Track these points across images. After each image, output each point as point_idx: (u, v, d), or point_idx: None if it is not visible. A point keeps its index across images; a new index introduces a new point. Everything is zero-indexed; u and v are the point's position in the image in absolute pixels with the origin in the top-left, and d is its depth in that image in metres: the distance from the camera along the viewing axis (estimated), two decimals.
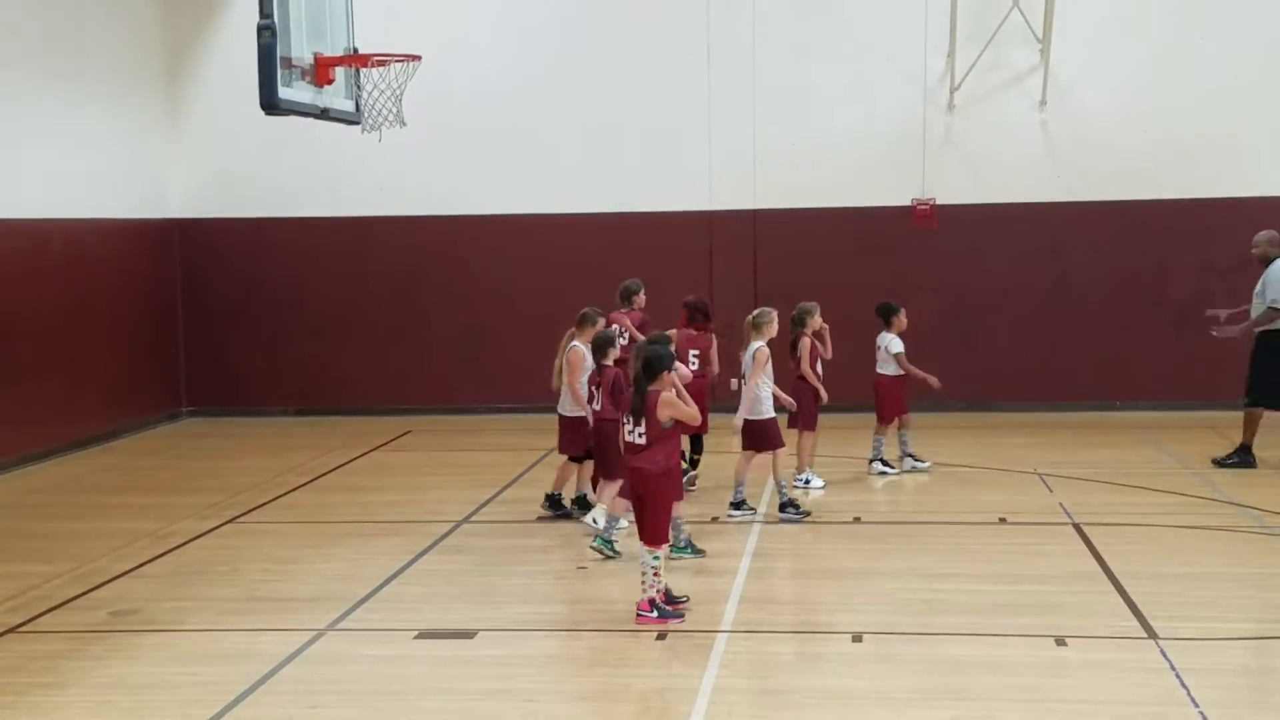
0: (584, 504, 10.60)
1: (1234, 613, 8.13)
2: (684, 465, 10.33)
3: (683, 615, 8.02)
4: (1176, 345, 15.35)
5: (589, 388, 10.14)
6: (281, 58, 9.84)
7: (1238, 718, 6.46)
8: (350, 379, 16.73)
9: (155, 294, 16.41)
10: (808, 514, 10.59)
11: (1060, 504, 10.93)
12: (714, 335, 11.63)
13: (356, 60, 10.94)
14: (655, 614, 7.94)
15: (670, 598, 8.15)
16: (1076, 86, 15.58)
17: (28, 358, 13.77)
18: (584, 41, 16.17)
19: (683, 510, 9.33)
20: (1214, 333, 12.74)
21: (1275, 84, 15.33)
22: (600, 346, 9.99)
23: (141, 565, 9.63)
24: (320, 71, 10.48)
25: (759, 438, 10.53)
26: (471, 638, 7.82)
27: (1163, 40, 15.48)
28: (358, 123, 11.25)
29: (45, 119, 14.11)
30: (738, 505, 10.68)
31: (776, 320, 10.70)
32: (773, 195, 15.95)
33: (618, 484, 9.56)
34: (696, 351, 11.36)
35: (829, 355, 11.61)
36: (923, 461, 12.31)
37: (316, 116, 10.72)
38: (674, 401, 8.14)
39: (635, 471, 8.15)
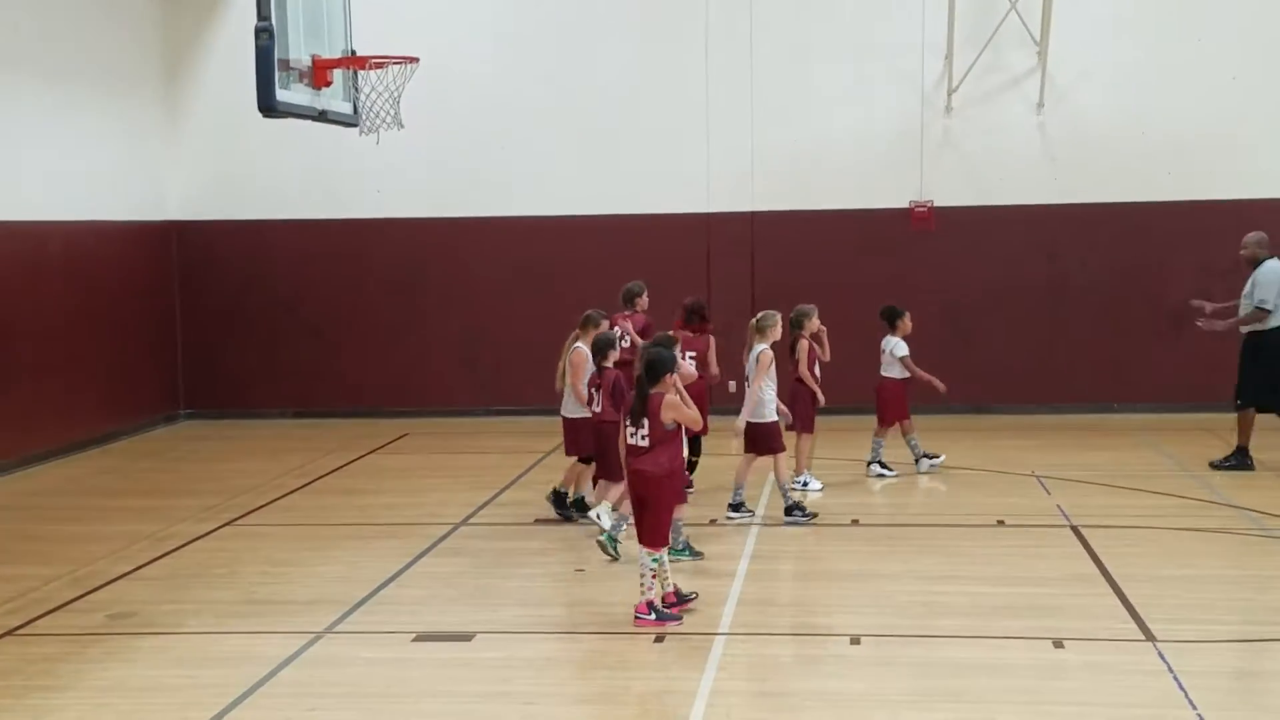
0: (582, 506, 10.60)
1: (1232, 615, 8.14)
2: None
3: (681, 618, 8.02)
4: (1175, 347, 15.35)
5: (589, 390, 10.14)
6: (279, 60, 9.84)
7: None
8: (348, 381, 16.72)
9: (153, 296, 16.40)
10: (814, 516, 10.59)
11: (1058, 506, 10.93)
12: (712, 337, 11.62)
13: (354, 62, 10.94)
14: (653, 617, 7.94)
15: (680, 596, 8.17)
16: (1074, 88, 15.59)
17: (26, 359, 13.76)
18: (582, 43, 16.17)
19: (683, 513, 9.34)
20: (1199, 324, 12.76)
21: (1273, 85, 15.34)
22: (600, 349, 9.99)
23: (139, 568, 9.62)
24: (318, 74, 10.48)
25: (761, 441, 10.53)
26: (470, 640, 7.81)
27: (1160, 42, 15.48)
28: (355, 125, 11.25)
29: (44, 120, 14.12)
30: (736, 507, 10.68)
31: (780, 323, 10.73)
32: (771, 197, 15.95)
33: (619, 486, 9.54)
34: (693, 354, 11.37)
35: (827, 357, 11.62)
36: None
37: (314, 119, 10.72)
38: (677, 404, 8.15)
39: (637, 474, 8.15)
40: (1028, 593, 8.58)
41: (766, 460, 10.64)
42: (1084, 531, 10.03)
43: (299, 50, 10.25)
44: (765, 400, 10.51)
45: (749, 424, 10.47)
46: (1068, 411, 15.61)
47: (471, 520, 10.92)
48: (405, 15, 15.54)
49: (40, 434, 13.95)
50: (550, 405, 10.81)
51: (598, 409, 10.04)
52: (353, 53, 11.00)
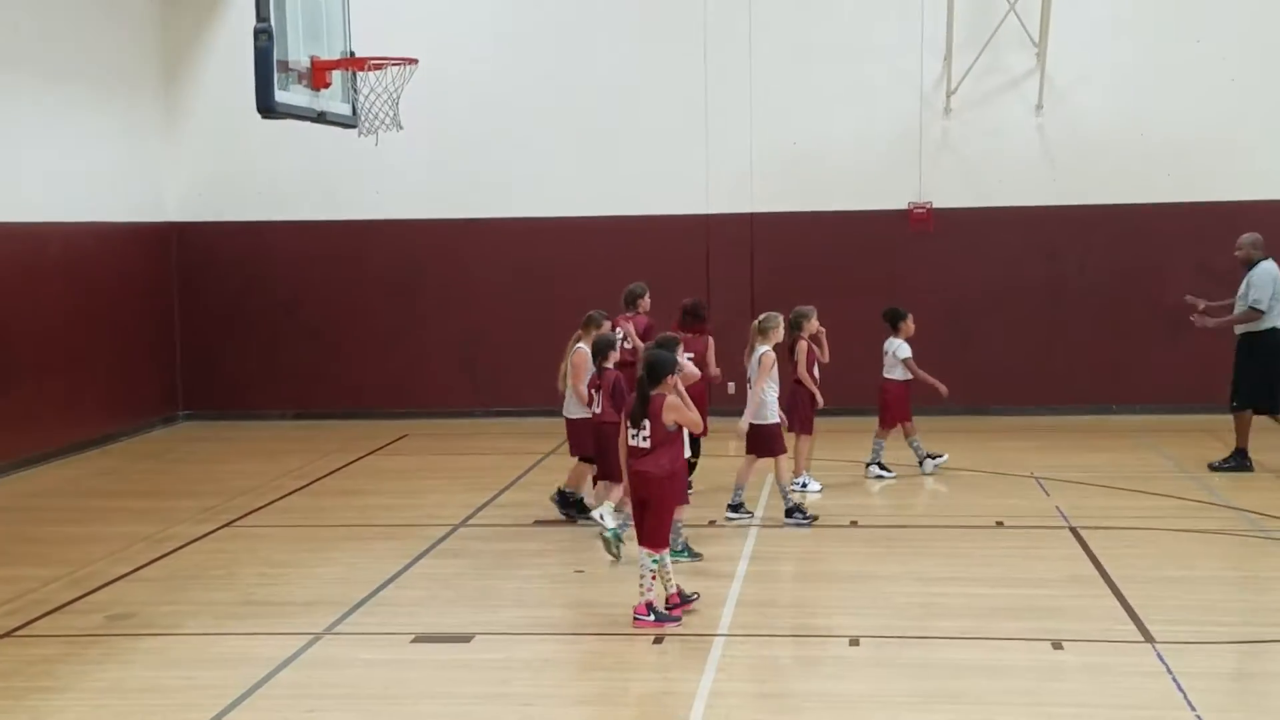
0: (581, 508, 10.60)
1: (1231, 616, 8.14)
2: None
3: (680, 620, 8.02)
4: (1173, 349, 15.33)
5: (589, 390, 10.14)
6: (278, 61, 9.82)
7: None
8: (347, 383, 16.72)
9: (152, 296, 16.40)
10: (815, 518, 10.59)
11: (1057, 508, 10.93)
12: (710, 338, 11.62)
13: (353, 64, 10.93)
14: (652, 618, 7.94)
15: (683, 596, 8.18)
16: (1073, 90, 15.59)
17: (25, 360, 13.76)
18: (581, 44, 16.16)
19: (684, 514, 9.34)
20: (1193, 319, 12.77)
21: (1271, 87, 15.34)
22: (600, 350, 10.00)
23: (138, 569, 9.62)
24: (317, 75, 10.47)
25: (763, 443, 10.53)
26: (469, 641, 7.81)
27: (1159, 44, 15.48)
28: (354, 126, 11.24)
29: (44, 120, 14.12)
30: (735, 508, 10.68)
31: (783, 325, 10.74)
32: (769, 199, 15.95)
33: (619, 487, 9.53)
34: (690, 355, 11.35)
35: (826, 359, 11.62)
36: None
37: (313, 120, 10.71)
38: (679, 406, 8.15)
39: (639, 475, 8.14)
40: (1027, 594, 8.59)
41: (768, 461, 10.65)
42: (1083, 533, 10.04)
43: (298, 51, 10.24)
44: (767, 402, 10.51)
45: (751, 426, 10.47)
46: (1067, 413, 15.61)
47: (470, 521, 10.92)
48: (404, 16, 15.54)
49: (39, 435, 13.95)
50: (549, 406, 10.82)
51: (598, 410, 10.04)
52: (352, 54, 10.99)
